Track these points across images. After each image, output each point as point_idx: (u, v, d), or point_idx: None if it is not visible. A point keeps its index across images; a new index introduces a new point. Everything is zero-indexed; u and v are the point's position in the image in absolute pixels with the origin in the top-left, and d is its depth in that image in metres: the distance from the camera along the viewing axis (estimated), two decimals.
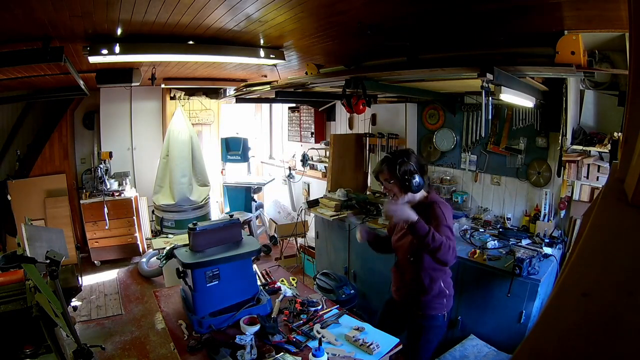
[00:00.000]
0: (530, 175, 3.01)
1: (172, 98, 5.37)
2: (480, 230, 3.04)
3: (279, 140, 6.28)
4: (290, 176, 5.66)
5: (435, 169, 3.68)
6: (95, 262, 4.85)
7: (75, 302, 2.67)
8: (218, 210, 5.86)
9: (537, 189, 2.98)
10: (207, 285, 1.87)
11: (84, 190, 4.88)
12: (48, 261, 1.73)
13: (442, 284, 1.96)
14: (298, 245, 4.83)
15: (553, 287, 2.31)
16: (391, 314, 2.16)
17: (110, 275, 4.68)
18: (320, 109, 5.08)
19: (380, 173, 1.99)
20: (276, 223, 5.64)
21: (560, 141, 2.63)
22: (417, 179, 1.88)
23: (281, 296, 2.22)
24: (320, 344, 1.61)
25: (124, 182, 5.05)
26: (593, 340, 0.42)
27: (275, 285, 2.33)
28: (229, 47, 2.46)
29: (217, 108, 5.84)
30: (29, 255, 1.96)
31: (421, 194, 1.97)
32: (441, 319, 1.99)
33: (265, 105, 6.53)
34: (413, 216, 1.72)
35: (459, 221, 3.15)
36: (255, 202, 5.47)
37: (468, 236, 2.91)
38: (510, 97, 2.15)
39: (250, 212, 5.22)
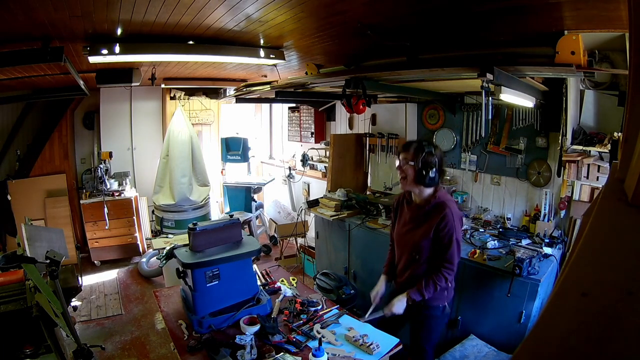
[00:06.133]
0: (530, 175, 3.01)
1: (172, 98, 5.37)
2: (480, 230, 3.04)
3: (279, 140, 6.28)
4: (290, 176, 5.66)
5: None
6: (95, 262, 4.85)
7: (75, 302, 2.67)
8: (218, 210, 5.86)
9: (537, 189, 2.98)
10: (207, 285, 1.88)
11: (84, 190, 4.88)
12: (48, 261, 1.73)
13: None
14: (298, 245, 4.82)
15: (553, 287, 2.31)
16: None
17: (110, 275, 4.68)
18: (320, 109, 5.08)
19: (405, 151, 1.98)
20: (276, 223, 5.63)
21: (560, 141, 2.63)
22: (434, 174, 1.91)
23: (281, 296, 2.22)
24: (320, 344, 1.61)
25: (124, 182, 5.05)
26: (593, 340, 0.42)
27: (275, 285, 2.33)
28: (229, 47, 2.46)
29: (217, 108, 5.84)
30: (29, 255, 1.96)
31: (430, 189, 1.98)
32: (441, 310, 2.04)
33: (265, 105, 6.53)
34: (402, 307, 1.94)
35: None
36: (255, 202, 5.46)
37: (468, 236, 2.91)
38: (510, 97, 2.15)
39: (250, 212, 5.22)
